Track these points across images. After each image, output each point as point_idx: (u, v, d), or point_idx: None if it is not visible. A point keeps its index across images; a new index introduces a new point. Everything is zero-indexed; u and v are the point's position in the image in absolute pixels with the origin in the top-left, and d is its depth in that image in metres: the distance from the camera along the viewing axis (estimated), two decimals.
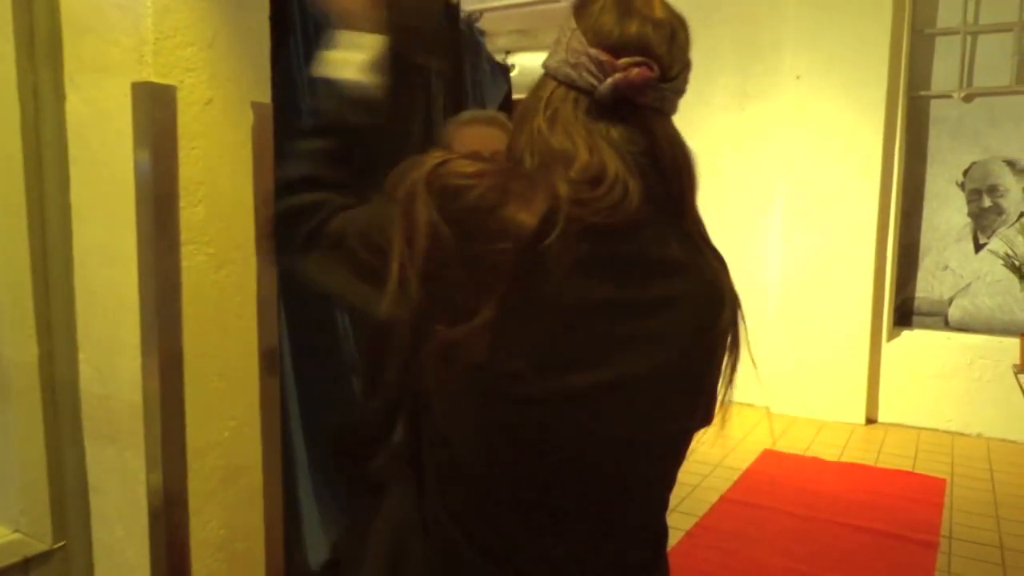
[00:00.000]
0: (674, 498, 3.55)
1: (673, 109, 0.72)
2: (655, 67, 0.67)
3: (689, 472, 3.86)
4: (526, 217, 0.60)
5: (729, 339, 0.75)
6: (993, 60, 4.73)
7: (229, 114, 1.59)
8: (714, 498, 3.46)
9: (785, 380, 4.82)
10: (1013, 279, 4.56)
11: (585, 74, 0.67)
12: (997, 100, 4.74)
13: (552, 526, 0.69)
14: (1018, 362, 4.43)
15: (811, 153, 4.81)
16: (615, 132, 0.67)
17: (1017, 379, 4.47)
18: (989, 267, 4.76)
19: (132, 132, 1.44)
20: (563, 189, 0.62)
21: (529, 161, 0.68)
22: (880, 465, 4.02)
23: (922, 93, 4.92)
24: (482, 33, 3.48)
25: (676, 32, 0.70)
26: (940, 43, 4.87)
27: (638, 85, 0.66)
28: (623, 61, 0.66)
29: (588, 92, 0.68)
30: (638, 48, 0.67)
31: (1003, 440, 4.52)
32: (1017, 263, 4.46)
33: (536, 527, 0.69)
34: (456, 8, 3.03)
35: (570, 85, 0.69)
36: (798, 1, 4.84)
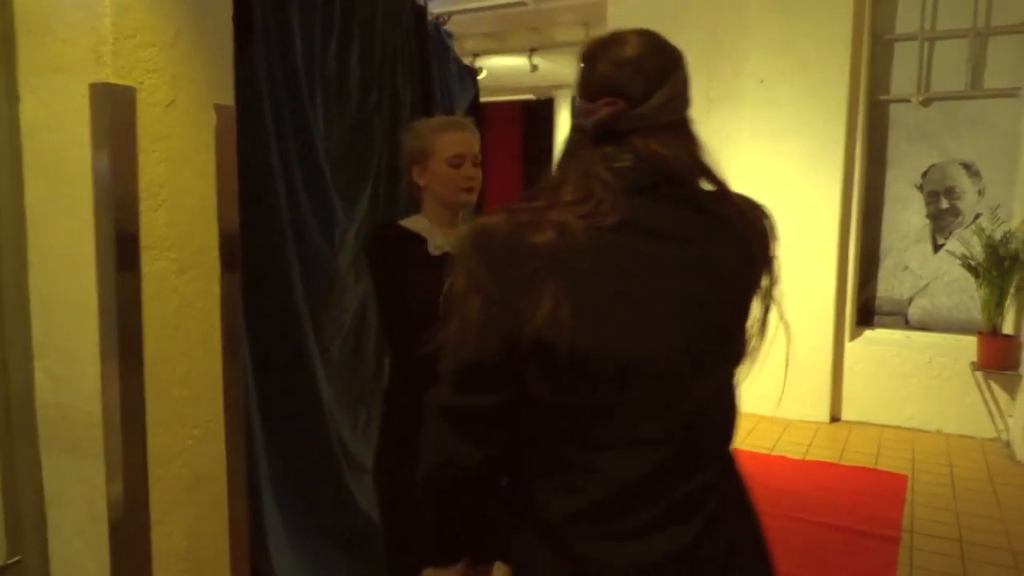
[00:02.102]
0: None
1: (661, 120, 0.92)
2: (620, 102, 0.89)
3: None
4: (540, 239, 0.84)
5: (760, 271, 0.94)
6: (949, 65, 4.85)
7: (192, 116, 1.56)
8: None
9: (751, 379, 4.86)
10: (970, 279, 4.68)
11: (580, 119, 0.92)
12: (953, 104, 4.86)
13: (632, 454, 0.90)
14: (975, 360, 4.55)
15: (775, 156, 4.89)
16: (605, 154, 0.89)
17: (974, 376, 4.59)
18: (947, 267, 4.88)
19: (90, 134, 1.40)
20: (559, 211, 0.86)
21: (549, 188, 0.91)
22: (844, 462, 4.09)
23: (882, 97, 5.02)
24: (450, 35, 3.47)
25: (643, 63, 0.91)
26: (899, 48, 4.98)
27: (609, 120, 0.89)
28: (597, 104, 0.89)
29: (585, 130, 0.91)
30: (607, 89, 0.90)
31: (961, 436, 4.63)
32: (973, 263, 4.58)
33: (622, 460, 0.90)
34: (423, 10, 3.02)
35: (577, 127, 0.94)
36: (761, 7, 4.92)
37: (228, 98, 1.65)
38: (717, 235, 0.92)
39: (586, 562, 0.90)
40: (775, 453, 4.17)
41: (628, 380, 0.86)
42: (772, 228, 0.97)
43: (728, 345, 0.94)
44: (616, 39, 0.93)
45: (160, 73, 1.47)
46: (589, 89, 0.92)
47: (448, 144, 1.62)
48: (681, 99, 0.95)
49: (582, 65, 0.94)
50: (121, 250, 1.41)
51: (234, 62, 1.71)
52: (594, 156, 0.89)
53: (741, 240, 0.93)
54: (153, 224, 1.48)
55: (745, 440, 4.38)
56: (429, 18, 3.08)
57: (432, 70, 3.09)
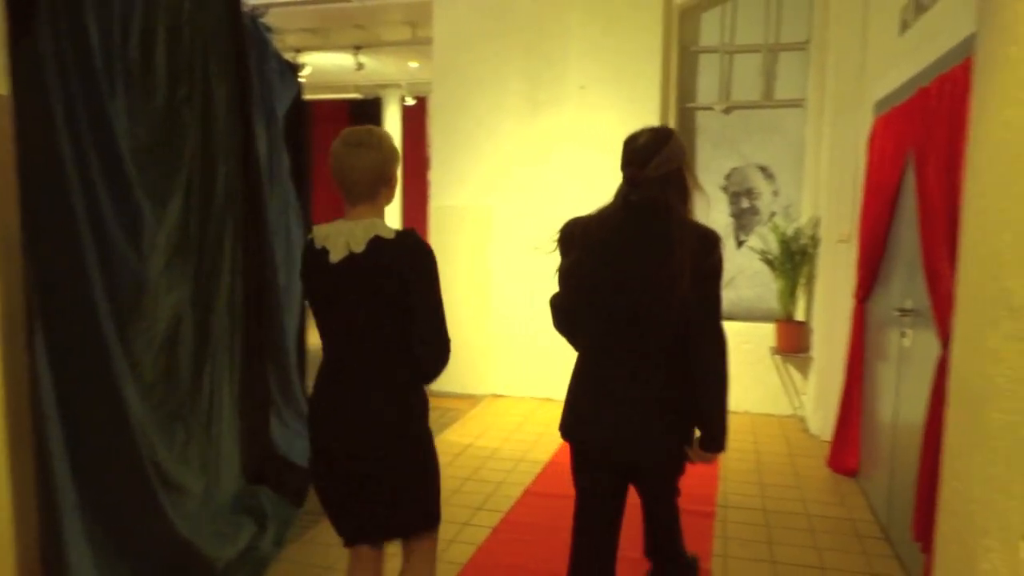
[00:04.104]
0: (479, 496, 3.57)
1: (659, 171, 1.75)
2: (635, 168, 1.77)
3: (493, 469, 3.94)
4: (580, 228, 1.83)
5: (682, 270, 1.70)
6: (747, 77, 5.33)
7: None
8: (519, 493, 3.57)
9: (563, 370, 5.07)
10: (768, 271, 5.17)
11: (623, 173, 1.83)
12: (750, 112, 5.35)
13: (610, 355, 1.85)
14: (774, 345, 5.03)
15: (595, 159, 5.12)
16: (627, 192, 1.79)
17: (773, 360, 5.08)
18: (749, 262, 5.36)
19: None
20: (599, 217, 1.81)
21: (605, 206, 1.85)
22: None
23: (689, 105, 5.42)
24: (268, 29, 3.32)
25: (647, 147, 1.77)
26: (703, 60, 5.40)
27: (629, 178, 1.79)
28: (626, 169, 1.80)
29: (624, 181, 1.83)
30: (629, 161, 1.80)
31: (765, 415, 5.12)
32: (770, 257, 5.06)
33: (606, 356, 1.86)
34: (237, 1, 2.86)
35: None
36: (581, 14, 5.14)
37: (2, 87, 1.47)
38: (659, 240, 1.72)
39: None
40: None
41: (592, 293, 1.79)
42: (706, 248, 1.71)
43: (649, 296, 1.73)
44: (636, 135, 1.82)
45: None
46: (623, 160, 1.81)
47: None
48: (668, 161, 1.76)
49: (623, 148, 1.83)
50: None
51: (13, 49, 1.53)
52: (622, 193, 1.80)
53: (670, 248, 1.70)
54: None
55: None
56: (244, 10, 2.92)
57: (249, 64, 2.94)
